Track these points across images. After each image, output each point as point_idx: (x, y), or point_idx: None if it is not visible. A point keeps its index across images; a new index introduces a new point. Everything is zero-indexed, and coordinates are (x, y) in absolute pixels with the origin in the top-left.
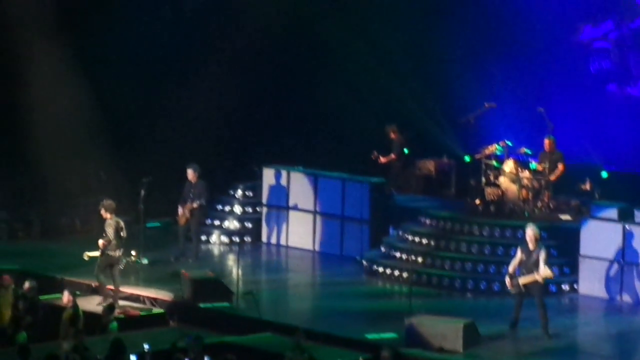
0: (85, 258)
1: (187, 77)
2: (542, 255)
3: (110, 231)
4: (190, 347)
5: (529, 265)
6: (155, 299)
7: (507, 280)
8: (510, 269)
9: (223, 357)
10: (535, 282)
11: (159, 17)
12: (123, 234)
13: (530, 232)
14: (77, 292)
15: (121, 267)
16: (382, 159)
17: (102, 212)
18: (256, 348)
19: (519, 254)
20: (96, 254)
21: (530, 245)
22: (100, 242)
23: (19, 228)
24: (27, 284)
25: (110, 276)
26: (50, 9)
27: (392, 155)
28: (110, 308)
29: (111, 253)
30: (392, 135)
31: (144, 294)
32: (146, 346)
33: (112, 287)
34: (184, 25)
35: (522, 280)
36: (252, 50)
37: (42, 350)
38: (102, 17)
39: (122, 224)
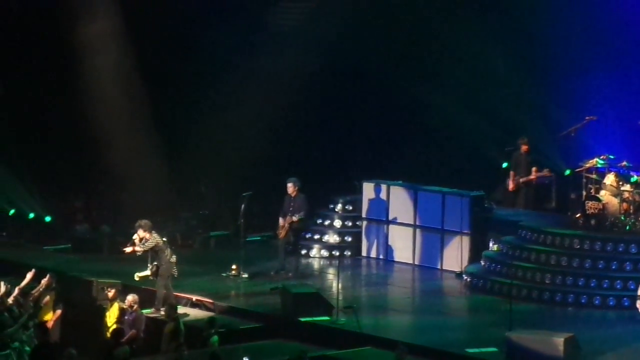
0: (136, 279)
1: (289, 92)
2: None
3: (160, 244)
4: None
5: None
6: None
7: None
8: None
9: None
10: None
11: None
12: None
13: None
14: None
15: (175, 274)
16: (514, 183)
17: (141, 232)
18: None
19: None
20: (147, 273)
21: None
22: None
23: (121, 242)
24: (129, 298)
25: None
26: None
27: (534, 168)
28: (211, 322)
29: (171, 261)
30: (524, 148)
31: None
32: (245, 359)
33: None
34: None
35: None
36: (354, 63)
37: None
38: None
39: (160, 237)
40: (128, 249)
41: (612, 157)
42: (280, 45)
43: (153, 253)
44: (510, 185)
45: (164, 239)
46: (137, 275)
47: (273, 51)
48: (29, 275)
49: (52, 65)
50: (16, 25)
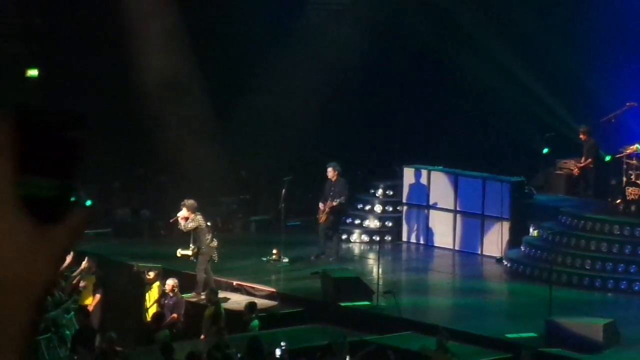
0: (178, 255)
1: (331, 77)
2: None
3: (202, 226)
4: (341, 346)
5: None
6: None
7: None
8: None
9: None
10: None
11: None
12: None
13: None
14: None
15: (215, 259)
16: (577, 168)
17: (185, 211)
18: (397, 347)
19: None
20: (188, 253)
21: None
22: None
23: (161, 227)
24: (169, 282)
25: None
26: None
27: (587, 160)
28: (252, 306)
29: (212, 245)
30: (583, 137)
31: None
32: (283, 343)
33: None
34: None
35: None
36: (394, 49)
37: (184, 348)
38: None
39: (204, 220)
40: (172, 219)
41: None
42: (326, 27)
43: (195, 235)
44: (575, 171)
45: (208, 222)
46: (180, 252)
47: (315, 34)
48: (68, 259)
49: (93, 44)
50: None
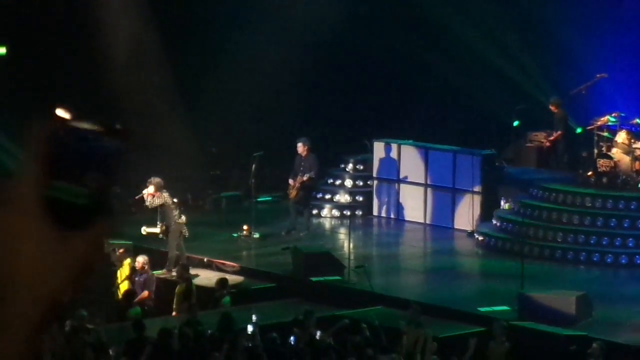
0: (143, 232)
1: (299, 51)
2: None
3: (168, 203)
4: (307, 320)
5: None
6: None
7: None
8: None
9: (339, 323)
10: None
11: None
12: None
13: None
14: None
15: (185, 234)
16: (548, 140)
17: (152, 189)
18: (368, 321)
19: None
20: (155, 230)
21: None
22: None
23: (131, 204)
24: (140, 259)
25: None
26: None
27: (558, 132)
28: (223, 282)
29: (180, 221)
30: (554, 109)
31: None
32: (254, 317)
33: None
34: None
35: None
36: (364, 22)
37: (155, 325)
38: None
39: (170, 197)
40: (137, 197)
41: (623, 114)
42: (291, 3)
43: (161, 212)
44: (546, 143)
45: (175, 199)
46: (145, 229)
47: (284, 9)
48: None
49: (62, 22)
50: None
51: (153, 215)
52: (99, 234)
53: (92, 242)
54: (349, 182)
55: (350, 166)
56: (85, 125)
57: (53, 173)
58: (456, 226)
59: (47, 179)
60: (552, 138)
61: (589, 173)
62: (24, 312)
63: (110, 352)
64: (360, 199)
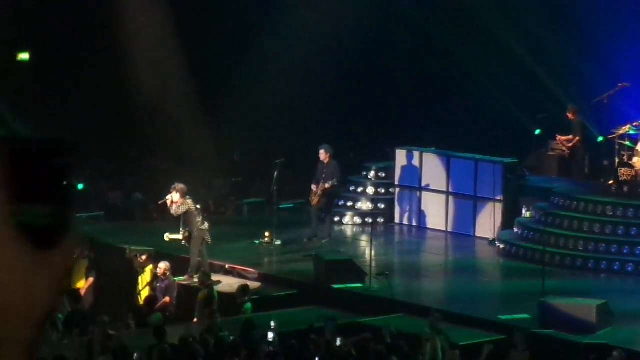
0: (166, 239)
1: (323, 59)
2: None
3: (192, 209)
4: (326, 328)
5: None
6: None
7: None
8: None
9: (361, 335)
10: None
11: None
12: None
13: None
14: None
15: (208, 241)
16: (567, 148)
17: (175, 195)
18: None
19: None
20: (178, 237)
21: None
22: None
23: (154, 210)
24: (161, 265)
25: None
26: None
27: (576, 138)
28: (244, 289)
29: (202, 228)
30: (571, 116)
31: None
32: (272, 324)
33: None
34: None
35: None
36: (388, 30)
37: (176, 331)
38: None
39: (194, 203)
40: (160, 202)
41: None
42: (315, 10)
43: (185, 218)
44: (566, 152)
45: (198, 205)
46: (168, 236)
47: (309, 18)
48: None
49: (85, 28)
50: None
51: (176, 222)
52: (68, 248)
53: (64, 255)
54: (371, 190)
55: (372, 174)
56: (33, 147)
57: (13, 197)
58: (477, 234)
59: (9, 204)
60: (570, 145)
61: (610, 182)
62: (15, 335)
63: (135, 356)
64: (382, 206)
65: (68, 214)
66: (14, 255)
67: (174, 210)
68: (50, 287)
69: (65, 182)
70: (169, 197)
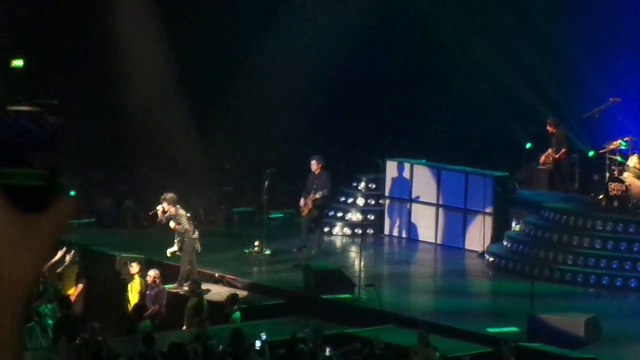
0: (168, 255)
1: (313, 70)
2: None
3: (183, 220)
4: (309, 337)
5: None
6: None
7: None
8: None
9: (350, 346)
10: None
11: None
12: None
13: None
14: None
15: (198, 249)
16: (553, 161)
17: (165, 205)
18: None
19: None
20: (175, 249)
21: None
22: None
23: (144, 217)
24: (151, 273)
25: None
26: None
27: (562, 151)
28: (233, 298)
29: (193, 237)
30: (551, 130)
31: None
32: (263, 336)
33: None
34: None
35: None
36: (379, 42)
37: (165, 339)
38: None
39: (184, 212)
40: (151, 212)
41: (635, 138)
42: (304, 23)
43: (178, 231)
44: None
45: (188, 214)
46: (169, 252)
47: (298, 31)
48: (59, 252)
49: (78, 35)
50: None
51: (165, 229)
52: (59, 212)
53: (55, 220)
54: (361, 201)
55: (362, 185)
56: (22, 108)
57: (1, 159)
58: (467, 247)
59: None
60: (557, 156)
61: (600, 196)
62: (5, 304)
63: None
64: (372, 217)
65: (57, 176)
66: (1, 219)
67: (163, 220)
68: (37, 253)
69: (53, 143)
70: (159, 207)
